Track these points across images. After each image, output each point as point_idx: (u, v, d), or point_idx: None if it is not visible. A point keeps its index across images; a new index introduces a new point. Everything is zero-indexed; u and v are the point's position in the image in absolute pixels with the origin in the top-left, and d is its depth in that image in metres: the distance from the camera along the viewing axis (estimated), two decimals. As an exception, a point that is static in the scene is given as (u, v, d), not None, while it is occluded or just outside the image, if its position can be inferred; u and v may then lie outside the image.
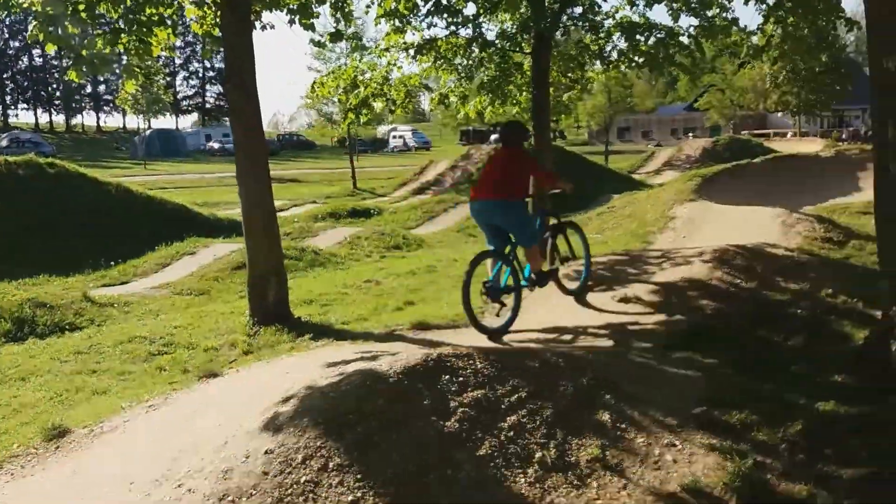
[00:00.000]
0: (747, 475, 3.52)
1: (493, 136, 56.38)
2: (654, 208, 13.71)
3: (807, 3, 8.54)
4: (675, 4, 9.74)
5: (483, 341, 5.85)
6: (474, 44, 10.63)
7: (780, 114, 55.70)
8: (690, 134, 57.20)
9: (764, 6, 9.14)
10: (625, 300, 7.11)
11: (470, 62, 11.16)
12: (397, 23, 10.18)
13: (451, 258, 12.53)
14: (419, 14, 9.97)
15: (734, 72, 44.97)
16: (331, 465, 3.52)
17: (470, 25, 10.34)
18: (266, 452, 3.66)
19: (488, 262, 6.37)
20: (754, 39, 10.55)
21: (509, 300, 6.32)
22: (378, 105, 11.52)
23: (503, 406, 4.02)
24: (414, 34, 10.72)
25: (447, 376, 4.19)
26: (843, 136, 46.55)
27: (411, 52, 10.83)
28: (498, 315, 6.29)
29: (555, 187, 7.20)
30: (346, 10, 8.70)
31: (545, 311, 7.35)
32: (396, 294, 9.35)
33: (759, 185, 15.17)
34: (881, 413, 4.12)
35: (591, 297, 7.43)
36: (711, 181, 14.68)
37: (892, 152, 3.13)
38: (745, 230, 10.81)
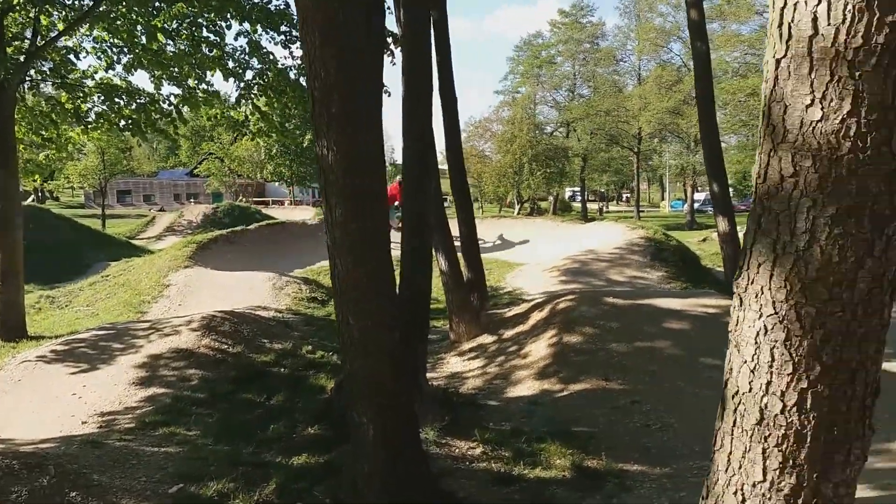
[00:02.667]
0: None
1: None
2: (149, 276, 13.16)
3: (276, 88, 9.47)
4: (156, 72, 9.69)
5: None
6: None
7: (277, 183, 60.27)
8: (192, 200, 57.49)
9: (241, 84, 9.81)
10: (108, 379, 6.56)
11: None
12: None
13: None
14: None
15: (231, 142, 47.19)
16: None
17: None
18: None
19: None
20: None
21: None
22: None
23: (-82, 539, 3.20)
24: None
25: None
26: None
27: None
28: None
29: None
30: None
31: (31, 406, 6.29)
32: None
33: (255, 250, 16.01)
34: (336, 460, 4.60)
35: (62, 380, 6.65)
36: (208, 247, 14.85)
37: (331, 228, 3.58)
38: (240, 294, 11.22)
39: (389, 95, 9.94)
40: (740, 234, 11.74)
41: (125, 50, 9.77)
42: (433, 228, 5.94)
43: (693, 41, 10.71)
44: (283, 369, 7.07)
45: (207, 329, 7.61)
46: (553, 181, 47.90)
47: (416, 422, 4.11)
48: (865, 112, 1.66)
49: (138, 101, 9.77)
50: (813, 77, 1.70)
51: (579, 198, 59.71)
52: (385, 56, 10.26)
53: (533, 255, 15.98)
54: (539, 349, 7.16)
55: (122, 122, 10.09)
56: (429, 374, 7.34)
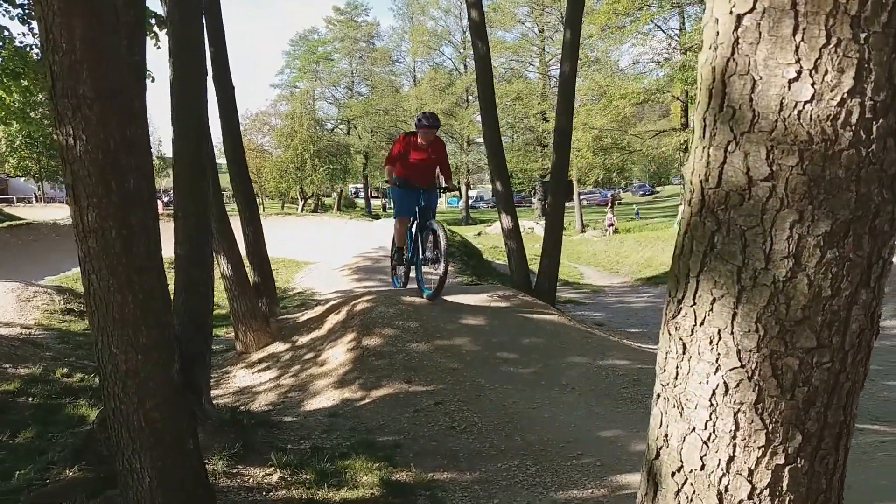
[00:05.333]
0: None
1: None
2: None
3: (12, 70, 8.02)
4: None
5: None
6: None
7: (23, 179, 53.25)
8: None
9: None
10: None
11: None
12: None
13: None
14: None
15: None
16: None
17: None
18: None
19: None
20: None
21: None
22: None
23: None
24: None
25: None
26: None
27: None
28: None
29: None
30: None
31: None
32: None
33: (-7, 257, 13.71)
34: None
35: None
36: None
37: (83, 236, 2.90)
38: (-27, 311, 9.42)
39: (153, 81, 8.91)
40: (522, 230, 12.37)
41: None
42: (210, 231, 5.28)
43: (474, 41, 10.91)
44: (31, 399, 5.91)
45: (-75, 359, 6.16)
46: (337, 178, 47.64)
47: (200, 460, 3.52)
48: (872, 91, 1.20)
49: None
50: (800, 40, 1.21)
51: (363, 194, 60.03)
52: (148, 38, 9.19)
53: (323, 253, 15.49)
54: (337, 355, 6.76)
55: None
56: (213, 392, 6.62)
